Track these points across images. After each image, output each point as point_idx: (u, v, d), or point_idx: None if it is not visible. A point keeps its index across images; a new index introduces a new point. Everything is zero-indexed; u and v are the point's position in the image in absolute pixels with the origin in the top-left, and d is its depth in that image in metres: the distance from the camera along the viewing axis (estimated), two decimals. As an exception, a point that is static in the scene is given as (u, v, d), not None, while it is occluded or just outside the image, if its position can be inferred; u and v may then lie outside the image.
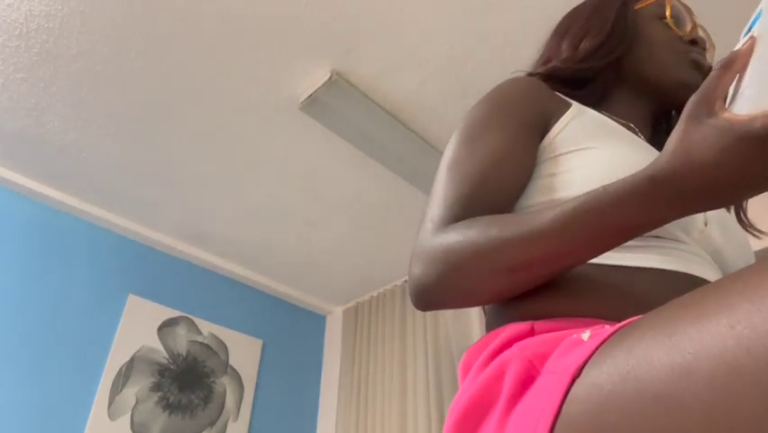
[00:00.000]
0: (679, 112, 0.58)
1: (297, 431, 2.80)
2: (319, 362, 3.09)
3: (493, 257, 0.51)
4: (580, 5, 0.82)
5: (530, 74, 0.77)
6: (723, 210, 0.67)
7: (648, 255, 0.56)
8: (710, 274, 0.58)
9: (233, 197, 2.42)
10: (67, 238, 2.40)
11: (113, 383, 2.28)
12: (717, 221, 0.63)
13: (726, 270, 0.62)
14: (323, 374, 3.04)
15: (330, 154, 2.18)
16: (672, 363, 0.34)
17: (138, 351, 2.40)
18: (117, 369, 2.31)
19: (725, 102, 0.44)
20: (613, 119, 0.73)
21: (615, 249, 0.56)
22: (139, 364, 2.38)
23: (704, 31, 0.81)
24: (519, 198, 0.62)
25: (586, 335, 0.44)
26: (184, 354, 2.54)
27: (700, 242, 0.60)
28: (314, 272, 2.92)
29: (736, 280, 0.34)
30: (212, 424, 2.50)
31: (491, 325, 0.60)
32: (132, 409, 2.29)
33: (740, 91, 0.43)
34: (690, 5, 0.81)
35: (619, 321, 0.45)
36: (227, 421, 2.55)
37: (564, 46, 0.77)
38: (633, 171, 0.47)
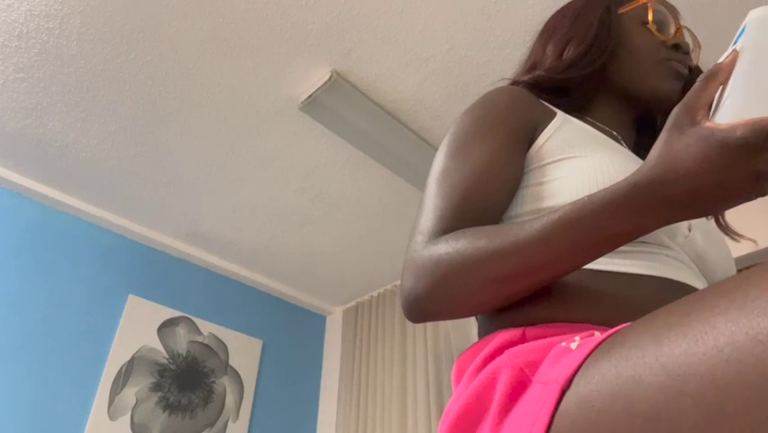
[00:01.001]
0: (664, 118, 0.58)
1: (296, 431, 2.80)
2: (319, 362, 3.09)
3: (481, 268, 0.52)
4: (565, 7, 0.82)
5: (514, 82, 0.77)
6: (704, 218, 0.68)
7: (635, 261, 0.57)
8: (694, 280, 0.59)
9: (233, 197, 2.42)
10: (67, 238, 2.40)
11: (113, 383, 2.28)
12: (699, 227, 0.64)
13: (708, 274, 0.63)
14: (323, 374, 3.04)
15: (330, 154, 2.18)
16: (660, 384, 0.34)
17: (138, 351, 2.40)
18: (117, 369, 2.31)
19: (708, 112, 0.45)
20: (597, 126, 0.74)
21: None
22: (139, 364, 2.38)
23: (690, 32, 0.80)
24: (508, 207, 0.63)
25: (575, 343, 0.45)
26: (184, 354, 2.54)
27: (684, 247, 0.61)
28: (314, 272, 2.92)
29: (720, 296, 0.35)
30: (212, 424, 2.50)
31: (483, 331, 0.61)
32: (132, 410, 2.29)
33: (722, 101, 0.44)
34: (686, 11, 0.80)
35: (608, 326, 0.46)
36: (227, 421, 2.55)
37: (549, 51, 0.77)
38: (617, 179, 0.49)
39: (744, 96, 0.43)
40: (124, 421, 2.26)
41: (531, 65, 0.79)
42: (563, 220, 0.50)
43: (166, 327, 2.53)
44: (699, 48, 0.82)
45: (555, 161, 0.63)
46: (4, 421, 1.99)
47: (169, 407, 2.41)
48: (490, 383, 0.48)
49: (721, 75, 0.45)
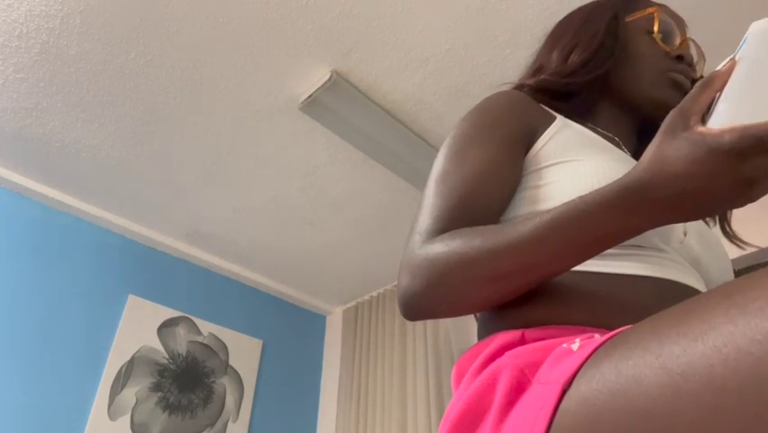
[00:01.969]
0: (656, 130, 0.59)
1: (296, 431, 2.80)
2: (319, 362, 3.09)
3: (476, 267, 0.53)
4: (573, 12, 0.82)
5: (518, 86, 0.78)
6: (702, 224, 0.68)
7: (632, 263, 0.57)
8: (693, 281, 0.59)
9: (234, 196, 2.42)
10: (67, 238, 2.40)
11: (113, 383, 2.28)
12: (695, 231, 0.64)
13: (705, 279, 0.64)
14: (323, 374, 3.04)
15: (330, 154, 2.18)
16: (660, 383, 0.35)
17: (138, 351, 2.40)
18: (117, 369, 2.31)
19: (702, 118, 0.45)
20: (598, 132, 0.75)
21: (600, 257, 0.57)
22: (139, 365, 2.38)
23: (695, 44, 0.80)
24: (505, 209, 0.64)
25: (575, 345, 0.46)
26: (184, 354, 2.54)
27: (680, 251, 0.61)
28: (314, 272, 2.92)
29: (722, 299, 0.35)
30: (212, 424, 2.50)
31: (482, 333, 0.62)
32: (132, 410, 2.29)
33: (716, 108, 0.45)
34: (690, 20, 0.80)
35: (608, 327, 0.46)
36: (227, 421, 2.55)
37: (554, 56, 0.77)
38: None
39: (737, 103, 0.44)
40: (124, 421, 2.26)
41: (536, 69, 0.79)
42: (556, 220, 0.50)
43: (166, 327, 2.53)
44: (704, 60, 0.82)
45: (553, 165, 0.64)
46: (4, 421, 1.99)
47: (169, 407, 2.41)
48: (490, 385, 0.49)
49: (717, 82, 0.46)
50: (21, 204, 2.33)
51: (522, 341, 0.53)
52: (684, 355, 0.34)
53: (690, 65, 0.76)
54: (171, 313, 2.57)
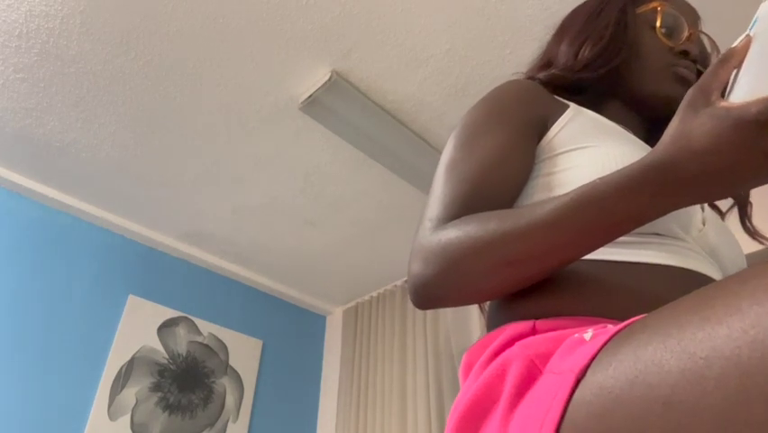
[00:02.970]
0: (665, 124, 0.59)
1: (296, 431, 2.80)
2: (319, 362, 3.09)
3: (491, 251, 0.51)
4: (581, 5, 0.81)
5: (529, 77, 0.77)
6: (717, 216, 0.67)
7: (649, 251, 0.56)
8: (711, 271, 0.58)
9: (233, 197, 2.42)
10: (67, 238, 2.40)
11: (113, 383, 2.28)
12: (712, 223, 0.63)
13: (722, 270, 0.62)
14: (323, 375, 3.04)
15: (330, 154, 2.18)
16: (682, 368, 0.33)
17: (138, 351, 2.40)
18: (117, 369, 2.31)
19: (722, 94, 0.45)
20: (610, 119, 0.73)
21: (616, 245, 0.55)
22: (139, 365, 2.38)
23: (707, 36, 0.79)
24: (517, 197, 0.63)
25: (588, 334, 0.44)
26: (184, 354, 2.54)
27: (698, 240, 0.60)
28: (314, 272, 2.92)
29: (744, 282, 0.34)
30: (212, 424, 2.50)
31: (492, 324, 0.60)
32: (132, 410, 2.29)
33: (736, 83, 0.45)
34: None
35: (621, 318, 0.44)
36: (227, 422, 2.55)
37: (564, 49, 0.76)
38: None
39: (757, 77, 0.43)
40: (124, 421, 2.25)
41: (545, 62, 0.78)
42: (575, 202, 0.49)
43: (166, 327, 2.53)
44: (717, 52, 0.80)
45: (567, 152, 0.62)
46: (5, 421, 1.99)
47: (169, 407, 2.41)
48: (500, 375, 0.48)
49: (735, 58, 0.45)
50: (21, 204, 2.33)
51: (533, 331, 0.51)
52: (708, 339, 0.33)
53: (696, 60, 0.75)
54: (171, 313, 2.57)
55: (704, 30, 0.81)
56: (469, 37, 1.74)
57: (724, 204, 0.76)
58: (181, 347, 2.54)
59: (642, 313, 0.42)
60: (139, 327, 2.44)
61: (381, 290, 2.93)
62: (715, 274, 0.58)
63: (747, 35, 0.45)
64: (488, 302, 0.65)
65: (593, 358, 0.40)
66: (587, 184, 0.49)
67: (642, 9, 0.76)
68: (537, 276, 0.53)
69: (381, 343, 2.73)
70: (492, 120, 0.65)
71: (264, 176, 2.30)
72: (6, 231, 2.25)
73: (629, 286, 0.54)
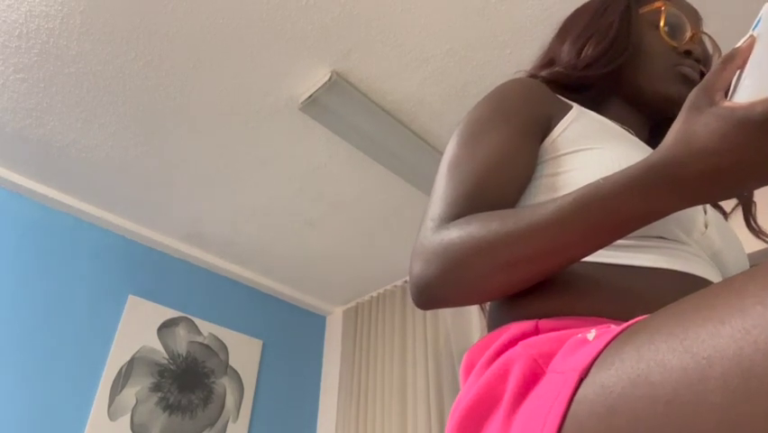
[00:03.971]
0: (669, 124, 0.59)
1: (296, 431, 2.80)
2: (319, 362, 3.09)
3: (494, 251, 0.51)
4: (584, 5, 0.81)
5: (530, 76, 0.76)
6: (720, 216, 0.67)
7: (652, 255, 0.55)
8: (712, 275, 0.58)
9: (233, 197, 2.42)
10: (67, 238, 2.40)
11: (113, 384, 2.28)
12: (715, 225, 0.63)
13: (724, 272, 0.62)
14: (323, 375, 3.04)
15: (330, 154, 2.18)
16: (685, 367, 0.33)
17: (138, 351, 2.40)
18: (117, 369, 2.31)
19: (726, 94, 0.45)
20: (613, 120, 0.73)
21: (616, 249, 0.55)
22: (139, 365, 2.38)
23: (709, 37, 0.79)
24: (519, 198, 0.62)
25: (591, 334, 0.44)
26: (184, 354, 2.54)
27: (701, 243, 0.60)
28: (314, 272, 2.92)
29: (747, 282, 0.34)
30: (212, 424, 2.50)
31: (494, 324, 0.60)
32: (132, 410, 2.29)
33: (740, 83, 0.44)
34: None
35: (624, 320, 0.44)
36: (227, 422, 2.55)
37: (567, 48, 0.76)
38: None
39: (761, 77, 0.43)
40: (124, 421, 2.25)
41: (548, 61, 0.78)
42: (579, 202, 0.48)
43: (166, 328, 2.53)
44: (720, 53, 0.80)
45: (570, 153, 0.62)
46: (5, 421, 1.99)
47: (169, 407, 2.41)
48: (503, 375, 0.47)
49: (738, 58, 0.44)
50: (21, 204, 2.33)
51: (536, 331, 0.51)
52: (711, 339, 0.33)
53: (699, 60, 0.75)
54: (171, 313, 2.57)
55: (705, 30, 0.81)
56: (469, 37, 1.74)
57: (728, 203, 0.75)
58: (181, 347, 2.54)
59: (645, 314, 0.42)
60: (139, 328, 2.44)
61: (381, 290, 2.93)
62: (715, 278, 0.58)
63: (751, 35, 0.45)
64: (489, 302, 0.65)
65: (596, 358, 0.40)
66: (590, 184, 0.49)
67: (645, 9, 0.76)
68: (539, 276, 0.53)
69: (381, 343, 2.73)
70: (496, 118, 0.64)
71: (264, 176, 2.30)
72: (6, 231, 2.24)
73: (631, 288, 0.54)
